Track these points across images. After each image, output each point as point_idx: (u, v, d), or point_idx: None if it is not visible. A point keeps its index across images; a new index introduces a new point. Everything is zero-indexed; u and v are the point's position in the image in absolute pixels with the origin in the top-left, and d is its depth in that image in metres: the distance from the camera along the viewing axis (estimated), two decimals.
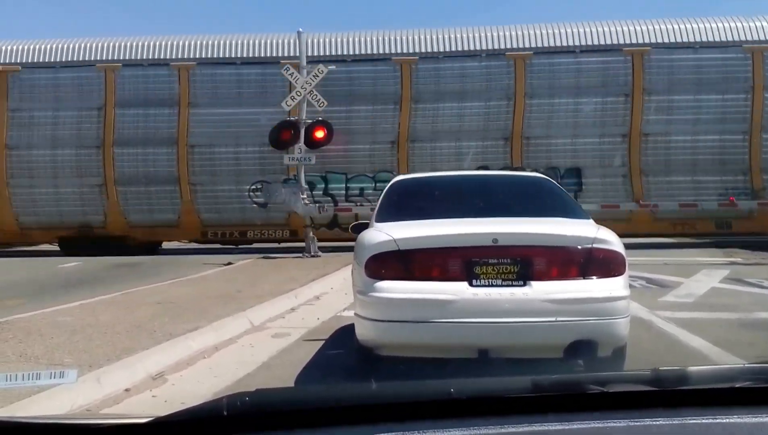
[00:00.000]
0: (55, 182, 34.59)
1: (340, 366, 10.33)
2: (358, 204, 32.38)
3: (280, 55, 33.84)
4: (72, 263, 28.36)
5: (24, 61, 34.70)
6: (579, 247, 8.49)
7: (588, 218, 9.58)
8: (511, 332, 8.23)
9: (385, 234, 8.79)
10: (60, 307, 14.62)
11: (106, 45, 34.96)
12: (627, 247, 8.86)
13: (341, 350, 10.96)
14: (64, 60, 34.77)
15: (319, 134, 28.30)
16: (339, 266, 21.52)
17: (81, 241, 33.47)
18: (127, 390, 8.96)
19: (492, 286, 8.28)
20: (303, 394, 3.18)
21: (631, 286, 9.09)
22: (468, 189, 11.09)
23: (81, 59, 34.73)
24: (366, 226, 9.97)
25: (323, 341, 12.01)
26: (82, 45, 35.02)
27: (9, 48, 34.93)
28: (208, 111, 34.25)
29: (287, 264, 24.99)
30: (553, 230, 8.90)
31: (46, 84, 34.70)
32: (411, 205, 10.29)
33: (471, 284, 8.29)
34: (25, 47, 35.04)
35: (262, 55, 34.41)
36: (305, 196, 28.71)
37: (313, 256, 27.40)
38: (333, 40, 34.51)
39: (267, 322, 13.84)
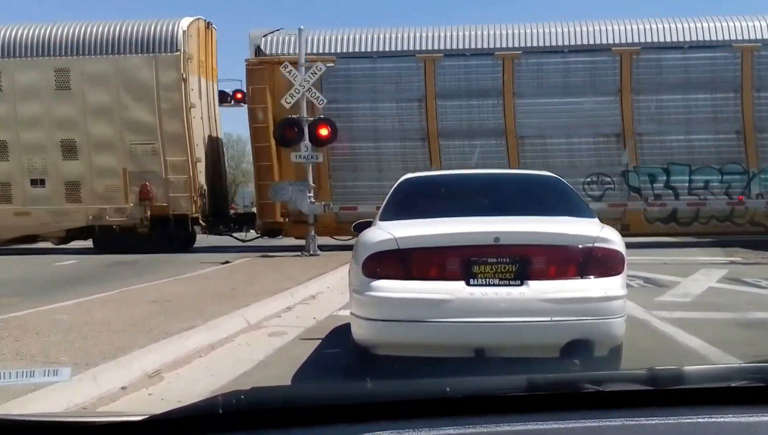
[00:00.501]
0: (379, 175, 33.07)
1: (336, 365, 10.34)
2: (702, 197, 32.42)
3: (611, 42, 33.33)
4: (69, 261, 28.36)
5: (339, 51, 33.89)
6: (580, 246, 8.48)
7: (593, 217, 9.57)
8: (507, 332, 8.23)
9: (386, 232, 8.79)
10: (56, 305, 14.62)
11: (424, 35, 34.30)
12: (628, 246, 8.87)
13: (338, 349, 10.95)
14: (381, 50, 34.07)
15: (323, 132, 28.28)
16: (337, 265, 21.52)
17: None
18: (123, 388, 8.95)
19: (489, 285, 8.28)
20: (299, 393, 3.18)
21: (628, 285, 9.11)
22: (474, 188, 11.07)
23: (399, 49, 34.08)
24: (369, 224, 9.96)
25: (320, 340, 12.02)
26: (401, 35, 34.36)
27: (324, 38, 34.21)
28: (532, 101, 33.38)
29: (285, 263, 24.98)
30: (555, 229, 8.90)
31: (363, 75, 33.97)
32: (416, 203, 10.25)
33: (468, 284, 8.28)
34: (341, 37, 34.45)
35: (591, 42, 33.61)
36: (311, 195, 28.65)
37: (311, 255, 27.40)
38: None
39: (263, 321, 13.83)
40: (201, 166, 34.65)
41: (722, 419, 2.61)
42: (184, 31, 34.02)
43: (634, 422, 2.59)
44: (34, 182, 33.61)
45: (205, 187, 35.06)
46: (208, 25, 36.77)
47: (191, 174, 33.72)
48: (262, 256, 27.18)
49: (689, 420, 2.60)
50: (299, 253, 27.62)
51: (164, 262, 26.93)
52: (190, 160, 33.61)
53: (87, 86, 33.64)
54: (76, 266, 27.22)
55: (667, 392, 2.76)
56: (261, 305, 14.93)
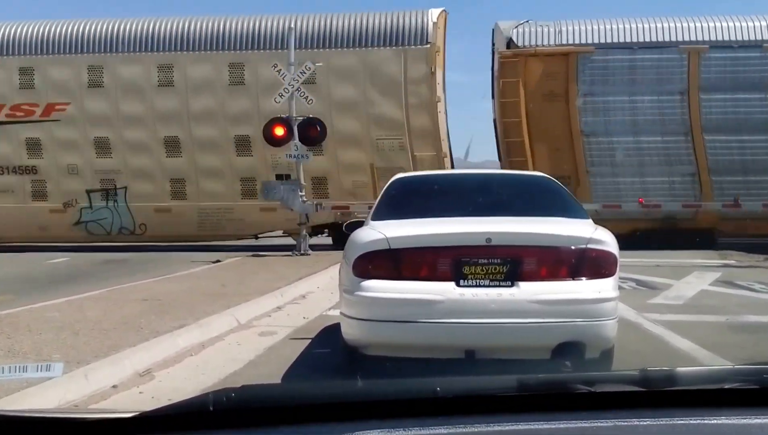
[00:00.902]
0: (641, 171, 32.75)
1: (326, 365, 10.35)
2: None
3: None
4: (60, 259, 28.30)
5: (597, 42, 33.10)
6: (573, 247, 8.47)
7: (587, 218, 9.56)
8: (498, 333, 8.22)
9: (377, 232, 8.77)
10: (48, 302, 14.62)
11: (688, 26, 33.31)
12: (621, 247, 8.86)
13: (327, 349, 10.93)
14: (641, 41, 33.17)
15: (313, 132, 28.20)
16: (327, 265, 21.48)
17: (658, 235, 31.26)
18: (114, 386, 8.95)
19: (479, 286, 8.26)
20: (289, 391, 3.17)
21: (621, 287, 9.10)
22: (467, 188, 11.05)
23: (660, 40, 33.18)
24: (361, 224, 9.94)
25: (309, 340, 12.01)
26: (661, 25, 33.47)
27: (581, 28, 33.41)
28: None
29: (276, 262, 24.92)
30: (547, 230, 8.88)
31: (621, 66, 33.28)
32: (408, 203, 10.24)
33: (458, 284, 8.27)
34: (599, 27, 33.73)
35: None
36: (303, 194, 28.59)
37: (302, 255, 27.34)
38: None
39: (254, 320, 13.82)
40: (447, 162, 33.48)
41: (715, 421, 2.60)
42: (434, 23, 32.98)
43: (626, 423, 2.59)
44: (278, 177, 32.46)
45: None
46: (445, 14, 35.51)
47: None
48: (254, 256, 27.11)
49: (682, 422, 2.59)
50: (290, 253, 27.57)
51: (155, 260, 26.85)
52: (438, 156, 32.61)
53: (333, 80, 32.77)
54: (68, 264, 27.17)
55: (660, 393, 2.75)
56: (251, 304, 14.91)
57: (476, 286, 8.25)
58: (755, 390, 2.79)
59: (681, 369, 2.87)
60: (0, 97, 33.69)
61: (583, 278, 8.33)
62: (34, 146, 33.62)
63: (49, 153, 33.64)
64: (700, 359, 10.41)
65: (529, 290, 8.19)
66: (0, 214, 33.27)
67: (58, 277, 22.75)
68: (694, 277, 20.81)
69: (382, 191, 10.67)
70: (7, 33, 34.28)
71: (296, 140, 27.69)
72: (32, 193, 33.96)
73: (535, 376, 2.84)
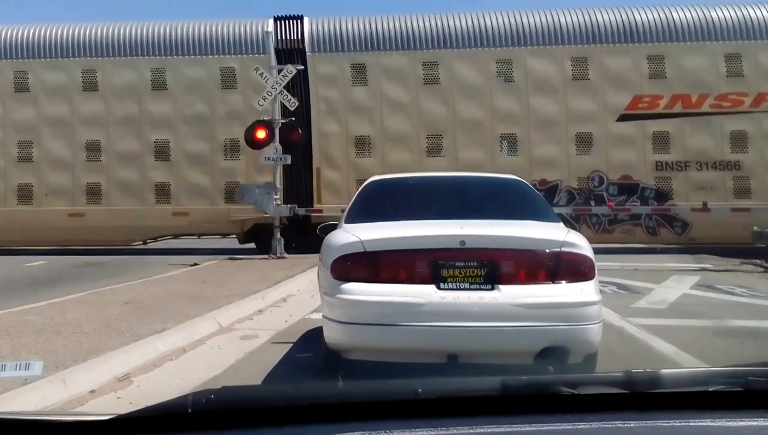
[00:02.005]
0: None
1: (308, 369, 10.29)
2: None
3: None
4: (38, 262, 28.24)
5: None
6: (547, 250, 8.45)
7: (558, 221, 9.57)
8: (480, 337, 8.17)
9: (352, 235, 8.74)
10: (28, 306, 14.57)
11: None
12: (596, 251, 8.84)
13: (309, 353, 10.91)
14: None
15: (294, 135, 28.30)
16: (305, 268, 21.55)
17: None
18: (92, 391, 8.89)
19: (460, 289, 8.22)
20: (269, 392, 3.15)
21: (602, 291, 9.07)
22: (440, 191, 11.03)
23: None
24: (335, 227, 9.92)
25: (291, 344, 11.98)
26: None
27: None
28: None
29: (253, 265, 24.94)
30: (520, 233, 8.85)
31: None
32: (382, 206, 10.24)
33: (438, 287, 8.23)
34: None
35: None
36: (278, 197, 28.64)
37: (278, 258, 27.44)
38: None
39: (235, 324, 13.78)
40: None
41: (699, 423, 2.59)
42: None
43: (610, 425, 2.57)
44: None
45: None
46: None
47: None
48: (230, 259, 27.14)
49: (666, 424, 2.58)
50: (266, 256, 27.64)
51: (133, 263, 26.95)
52: None
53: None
54: (46, 267, 27.15)
55: (644, 395, 2.74)
56: (232, 308, 14.88)
57: (457, 289, 8.22)
58: (740, 392, 2.78)
59: (665, 371, 2.86)
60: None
61: (563, 281, 8.31)
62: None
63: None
64: (685, 364, 10.43)
65: (510, 294, 8.16)
66: None
67: (36, 280, 22.73)
68: (673, 281, 20.97)
69: (356, 194, 10.69)
70: None
71: (276, 143, 27.74)
72: None
73: (518, 378, 2.82)
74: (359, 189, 10.87)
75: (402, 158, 32.70)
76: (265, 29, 31.64)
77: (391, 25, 34.10)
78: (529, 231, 8.95)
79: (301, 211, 31.15)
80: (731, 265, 25.85)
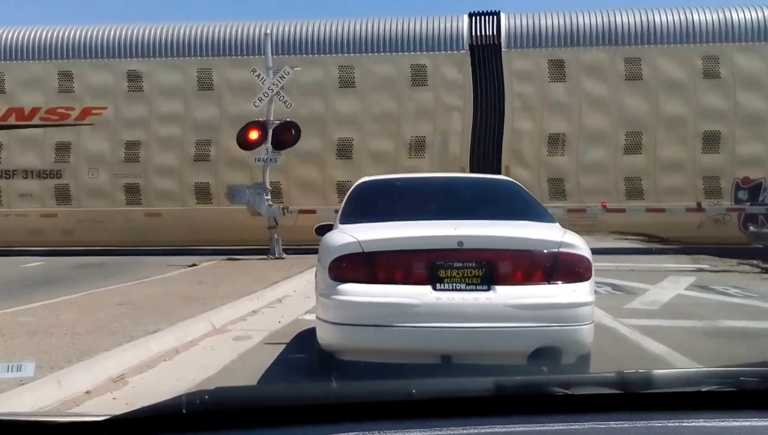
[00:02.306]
0: None
1: (301, 370, 10.29)
2: None
3: None
4: (35, 263, 28.18)
5: None
6: (545, 251, 8.45)
7: (554, 222, 9.57)
8: (474, 338, 8.17)
9: (349, 235, 8.72)
10: (22, 307, 14.55)
11: None
12: (594, 251, 8.85)
13: (303, 354, 10.91)
14: None
15: (287, 136, 28.25)
16: (303, 269, 21.52)
17: None
18: (87, 392, 8.89)
19: (455, 290, 8.21)
20: (263, 393, 3.15)
21: (596, 292, 9.07)
22: (433, 191, 11.03)
23: None
24: (330, 227, 9.90)
25: (284, 345, 11.97)
26: None
27: None
28: None
29: (251, 266, 24.90)
30: (520, 234, 8.84)
31: None
32: (376, 206, 10.23)
33: (434, 288, 8.22)
34: None
35: None
36: (269, 198, 28.60)
37: (277, 258, 27.37)
38: None
39: (228, 325, 13.78)
40: None
41: (693, 424, 2.59)
42: None
43: (603, 426, 2.57)
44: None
45: None
46: None
47: None
48: (229, 259, 27.08)
49: (659, 424, 2.58)
50: (265, 257, 27.56)
51: (131, 264, 26.82)
52: None
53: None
54: (43, 268, 27.06)
55: (637, 396, 2.74)
56: (227, 308, 14.88)
57: (452, 289, 8.21)
58: (732, 392, 2.78)
59: (658, 371, 2.87)
60: None
61: (559, 282, 8.31)
62: None
63: None
64: (676, 364, 10.45)
65: (505, 294, 8.16)
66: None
67: (32, 281, 22.64)
68: (669, 282, 20.93)
69: (348, 194, 10.67)
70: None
71: (268, 144, 27.72)
72: None
73: (512, 379, 2.83)
74: (351, 189, 10.86)
75: (597, 156, 32.33)
76: (265, 31, 31.31)
77: (592, 21, 33.43)
78: (528, 231, 8.95)
79: (294, 212, 30.89)
80: (728, 266, 25.81)
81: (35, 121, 33.78)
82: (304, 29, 34.18)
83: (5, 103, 34.22)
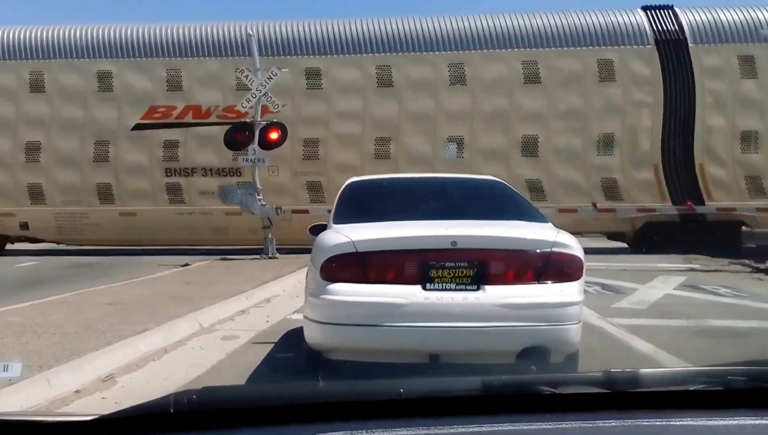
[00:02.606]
0: None
1: (289, 369, 10.29)
2: None
3: None
4: (29, 263, 28.16)
5: None
6: (538, 250, 8.46)
7: (546, 221, 9.58)
8: (462, 337, 8.18)
9: (343, 235, 8.71)
10: (11, 307, 14.51)
11: None
12: (587, 251, 8.87)
13: (290, 353, 10.89)
14: None
15: (273, 136, 28.30)
16: (295, 268, 21.53)
17: None
18: (76, 391, 8.88)
19: (445, 289, 8.22)
20: (251, 392, 3.16)
21: (586, 291, 9.08)
22: (424, 191, 11.05)
23: None
24: (324, 227, 9.90)
25: (272, 344, 11.97)
26: None
27: None
28: None
29: (243, 266, 24.92)
30: (514, 233, 8.86)
31: None
32: (368, 207, 10.24)
33: (424, 288, 8.23)
34: None
35: None
36: (261, 197, 28.57)
37: (270, 258, 27.39)
38: None
39: (216, 324, 13.78)
40: None
41: (680, 422, 2.60)
42: None
43: (590, 425, 2.58)
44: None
45: None
46: None
47: None
48: (222, 259, 27.10)
49: (646, 423, 2.59)
50: (258, 256, 27.55)
51: (123, 264, 26.85)
52: None
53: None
54: (36, 268, 27.08)
55: (624, 395, 2.75)
56: (215, 308, 14.88)
57: (442, 289, 8.22)
58: (719, 392, 2.79)
59: (645, 371, 2.88)
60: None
61: (549, 282, 8.32)
62: None
63: None
64: (663, 363, 10.46)
65: (494, 294, 8.17)
66: None
67: (25, 280, 22.63)
68: (659, 282, 21.00)
69: (339, 194, 10.66)
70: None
71: (255, 144, 27.72)
72: None
73: (499, 378, 2.83)
74: (341, 190, 10.85)
75: None
76: (248, 31, 31.30)
77: None
78: (522, 231, 8.97)
79: (288, 212, 30.98)
80: (719, 266, 25.90)
81: (212, 118, 33.62)
82: (485, 23, 33.79)
83: (183, 100, 34.09)
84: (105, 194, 34.17)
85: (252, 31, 31.78)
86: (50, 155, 34.02)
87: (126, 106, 33.99)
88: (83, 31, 34.77)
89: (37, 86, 34.20)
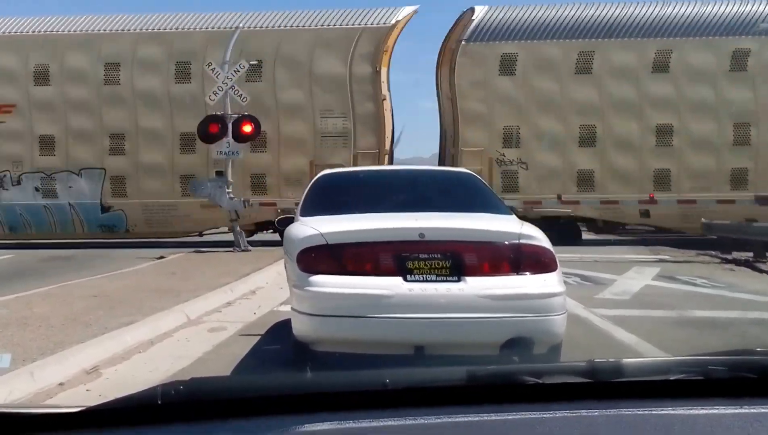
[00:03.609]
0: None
1: (276, 361, 10.31)
2: None
3: None
4: (4, 256, 28.04)
5: None
6: (506, 242, 8.51)
7: (510, 214, 9.68)
8: (446, 328, 8.21)
9: (311, 228, 8.77)
10: None
11: None
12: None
13: (278, 345, 10.92)
14: None
15: (247, 129, 28.21)
16: (271, 261, 21.50)
17: None
18: (61, 384, 8.88)
19: (427, 281, 8.26)
20: (238, 383, 3.16)
21: (566, 283, 9.13)
22: (394, 183, 11.11)
23: None
24: (292, 220, 9.94)
25: (259, 336, 11.99)
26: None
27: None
28: None
29: (219, 258, 24.88)
30: (478, 226, 8.92)
31: None
32: (337, 199, 10.33)
33: (405, 279, 8.27)
34: None
35: None
36: (230, 191, 28.57)
37: (243, 251, 27.40)
38: None
39: (203, 316, 13.78)
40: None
41: (662, 412, 2.62)
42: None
43: (574, 414, 2.60)
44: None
45: None
46: None
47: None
48: (196, 252, 27.08)
49: (628, 412, 2.61)
50: (231, 249, 27.56)
51: (100, 256, 26.77)
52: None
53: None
54: (12, 261, 26.95)
55: (607, 385, 2.77)
56: (200, 300, 14.87)
57: (423, 280, 8.26)
58: (700, 381, 2.82)
59: (627, 360, 2.89)
60: None
61: (527, 273, 8.36)
62: None
63: None
64: (646, 353, 10.52)
65: (476, 285, 8.20)
66: None
67: (3, 274, 22.54)
68: (634, 272, 21.17)
69: (308, 187, 10.74)
70: None
71: (229, 137, 27.72)
72: None
73: (484, 368, 2.85)
74: (311, 182, 10.92)
75: None
76: (238, 25, 31.37)
77: None
78: (486, 223, 9.05)
79: (255, 205, 31.28)
80: (688, 257, 26.04)
81: None
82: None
83: None
84: None
85: None
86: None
87: None
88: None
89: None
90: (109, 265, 22.19)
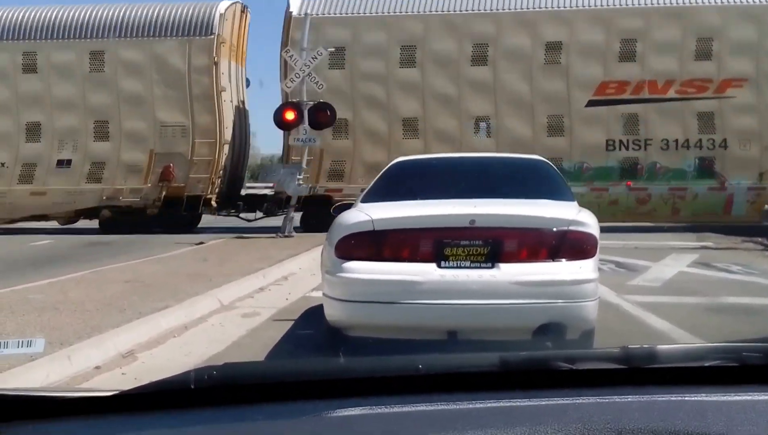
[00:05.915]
0: None
1: (309, 346, 10.33)
2: None
3: None
4: (44, 241, 28.21)
5: None
6: (554, 229, 8.50)
7: (573, 201, 9.59)
8: (478, 314, 8.25)
9: (364, 214, 8.82)
10: (31, 284, 14.57)
11: None
12: (604, 230, 8.89)
13: (310, 330, 10.96)
14: None
15: (323, 116, 28.18)
16: (310, 247, 21.48)
17: None
18: (97, 367, 8.95)
19: (460, 267, 8.28)
20: (271, 369, 3.17)
21: (600, 269, 9.12)
22: (461, 171, 11.11)
23: None
24: (350, 206, 9.96)
25: (292, 321, 12.02)
26: None
27: None
28: None
29: (259, 243, 24.91)
30: (529, 211, 8.92)
31: None
32: (400, 186, 10.35)
33: (439, 266, 8.30)
34: None
35: None
36: (301, 177, 28.66)
37: (286, 236, 27.39)
38: None
39: (236, 302, 13.82)
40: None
41: (695, 398, 2.61)
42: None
43: (607, 400, 2.59)
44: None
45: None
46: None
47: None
48: (237, 238, 27.10)
49: (662, 398, 2.60)
50: (274, 235, 27.56)
51: (138, 242, 26.80)
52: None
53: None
54: (51, 246, 27.09)
55: (641, 371, 2.76)
56: (234, 286, 14.91)
57: (457, 267, 8.28)
58: (735, 368, 2.80)
59: (661, 347, 2.88)
60: None
61: (563, 260, 8.37)
62: None
63: None
64: (679, 339, 10.46)
65: (509, 272, 8.23)
66: None
67: (40, 259, 22.64)
68: (671, 259, 20.91)
69: (379, 174, 10.74)
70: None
71: (305, 124, 27.72)
72: None
73: (517, 354, 2.85)
74: (383, 170, 10.91)
75: None
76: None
77: None
78: (539, 209, 9.02)
79: (321, 190, 31.40)
80: (732, 244, 25.74)
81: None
82: None
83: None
84: None
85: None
86: None
87: None
88: None
89: None
90: (147, 251, 22.23)
